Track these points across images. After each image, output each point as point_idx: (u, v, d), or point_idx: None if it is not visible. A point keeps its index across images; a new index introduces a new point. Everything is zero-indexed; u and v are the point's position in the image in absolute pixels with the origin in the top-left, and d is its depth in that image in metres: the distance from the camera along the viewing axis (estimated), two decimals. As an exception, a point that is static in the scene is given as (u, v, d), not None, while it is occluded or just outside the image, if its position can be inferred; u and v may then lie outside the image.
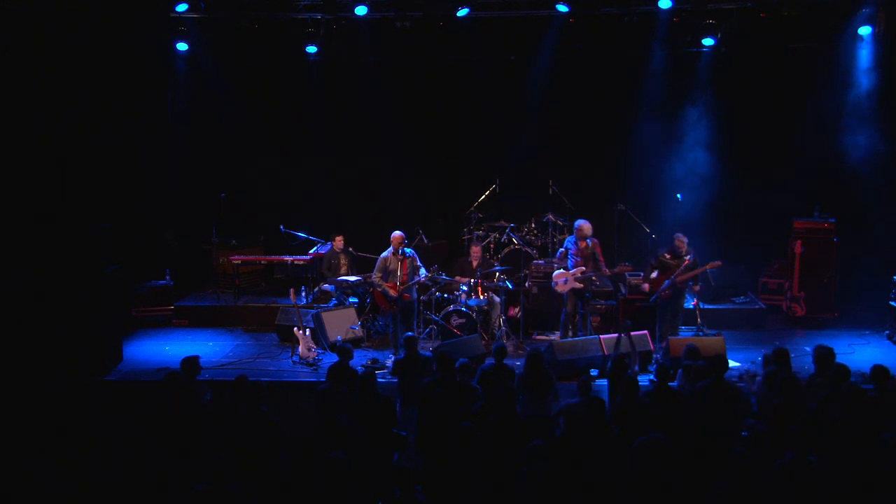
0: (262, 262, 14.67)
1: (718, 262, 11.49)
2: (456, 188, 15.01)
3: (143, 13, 12.70)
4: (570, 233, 13.09)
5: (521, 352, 11.58)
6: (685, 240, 11.47)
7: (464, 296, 11.98)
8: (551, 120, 14.61)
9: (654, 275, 11.60)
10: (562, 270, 11.62)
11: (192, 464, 7.51)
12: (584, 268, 11.44)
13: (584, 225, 11.57)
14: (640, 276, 12.33)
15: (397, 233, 11.64)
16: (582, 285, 11.50)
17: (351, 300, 12.86)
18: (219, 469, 6.53)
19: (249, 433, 7.71)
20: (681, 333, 11.73)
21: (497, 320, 12.10)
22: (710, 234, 13.01)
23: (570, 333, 11.60)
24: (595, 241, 11.64)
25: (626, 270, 12.04)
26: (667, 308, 11.48)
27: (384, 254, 11.66)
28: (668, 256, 11.49)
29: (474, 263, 12.40)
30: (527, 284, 12.78)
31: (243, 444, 7.61)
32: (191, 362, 8.54)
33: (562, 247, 11.91)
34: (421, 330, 12.05)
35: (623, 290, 12.54)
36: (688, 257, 11.38)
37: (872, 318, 12.70)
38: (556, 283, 11.60)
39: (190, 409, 8.00)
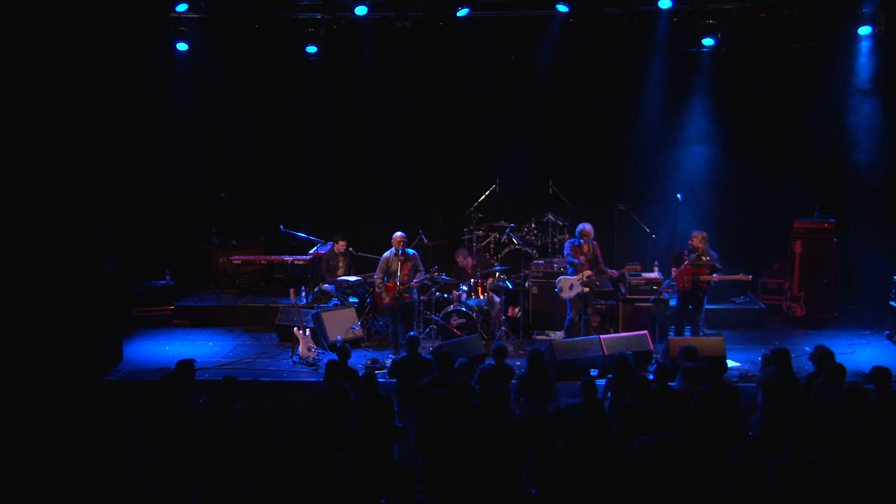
0: (262, 262, 14.67)
1: (749, 276, 11.49)
2: (456, 188, 15.00)
3: (143, 13, 12.70)
4: (571, 233, 13.12)
5: (521, 352, 11.58)
6: (698, 235, 11.26)
7: (464, 296, 11.98)
8: (551, 120, 14.61)
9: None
10: (566, 276, 11.60)
11: (190, 464, 7.52)
12: (590, 272, 11.41)
13: (586, 228, 11.55)
14: (640, 276, 12.31)
15: (398, 234, 11.65)
16: (588, 289, 11.49)
17: (351, 300, 12.86)
18: (219, 469, 6.54)
19: (249, 433, 7.71)
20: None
21: (497, 320, 12.10)
22: (711, 234, 12.97)
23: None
24: (595, 243, 11.63)
25: (633, 270, 12.02)
26: (685, 305, 11.36)
27: (385, 254, 11.67)
28: (685, 252, 11.43)
29: (468, 269, 12.46)
30: (527, 284, 12.78)
31: (242, 444, 7.62)
32: (186, 365, 8.54)
33: (564, 248, 11.84)
34: (421, 330, 12.05)
35: (623, 290, 12.53)
36: (707, 258, 11.22)
37: (872, 318, 12.71)
38: (562, 290, 11.55)
39: (186, 410, 8.01)
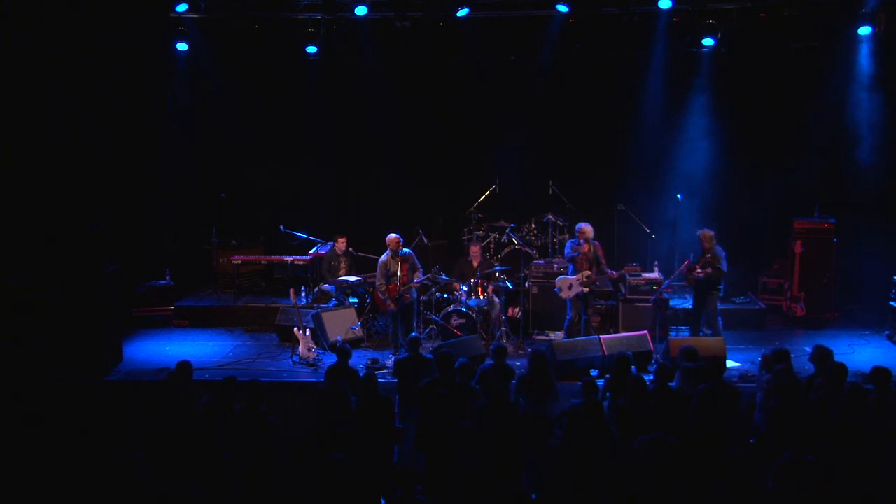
0: (262, 262, 14.66)
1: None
2: (456, 188, 15.01)
3: (143, 13, 12.71)
4: (571, 233, 13.12)
5: (521, 352, 11.58)
6: (707, 234, 11.22)
7: (464, 296, 11.98)
8: (551, 120, 14.62)
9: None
10: (566, 276, 11.59)
11: (190, 464, 7.52)
12: (589, 272, 11.41)
13: (585, 227, 11.54)
14: (640, 276, 12.32)
15: (392, 235, 11.63)
16: (588, 289, 11.49)
17: (351, 300, 12.86)
18: (220, 470, 6.54)
19: (248, 433, 7.72)
20: (680, 334, 11.74)
21: (497, 320, 12.09)
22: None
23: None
24: (597, 243, 11.61)
25: (632, 271, 12.01)
26: (700, 306, 11.37)
27: (382, 258, 11.64)
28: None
29: (475, 263, 12.42)
30: (527, 284, 12.78)
31: (242, 444, 7.62)
32: (184, 366, 8.55)
33: (566, 248, 11.82)
34: (421, 330, 12.04)
35: (623, 290, 12.53)
36: (709, 255, 11.22)
37: (872, 318, 12.71)
38: (561, 290, 11.54)
39: (186, 410, 8.02)
